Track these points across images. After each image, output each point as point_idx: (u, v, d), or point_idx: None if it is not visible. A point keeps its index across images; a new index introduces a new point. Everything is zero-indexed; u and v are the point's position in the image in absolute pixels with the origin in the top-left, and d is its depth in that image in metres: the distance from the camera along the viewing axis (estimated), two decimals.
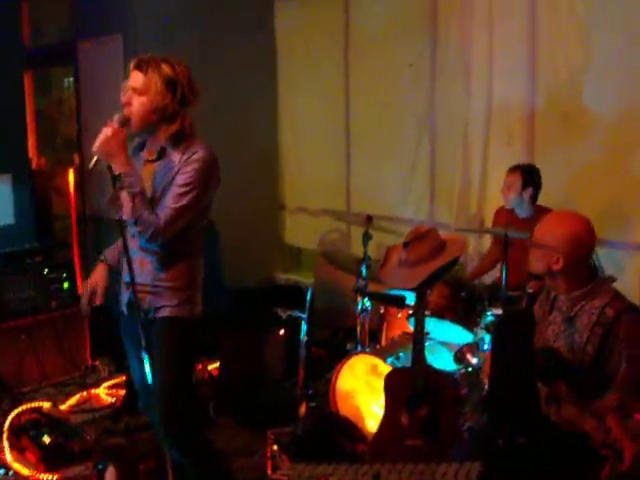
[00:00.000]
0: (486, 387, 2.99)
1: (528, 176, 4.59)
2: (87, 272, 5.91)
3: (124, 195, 2.69)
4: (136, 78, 2.75)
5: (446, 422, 3.28)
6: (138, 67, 2.75)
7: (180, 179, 2.77)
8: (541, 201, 4.66)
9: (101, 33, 5.82)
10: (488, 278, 5.04)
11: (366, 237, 4.53)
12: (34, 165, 6.65)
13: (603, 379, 2.55)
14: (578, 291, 2.69)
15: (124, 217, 2.74)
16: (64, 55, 6.15)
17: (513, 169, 4.62)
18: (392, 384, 3.46)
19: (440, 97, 5.69)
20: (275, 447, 3.72)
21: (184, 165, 2.78)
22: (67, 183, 6.32)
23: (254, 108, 6.61)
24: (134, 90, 2.74)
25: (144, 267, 2.88)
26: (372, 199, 6.13)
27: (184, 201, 2.76)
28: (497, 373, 2.61)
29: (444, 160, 5.73)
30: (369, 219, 4.58)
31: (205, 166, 2.79)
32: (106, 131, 2.69)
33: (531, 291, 2.72)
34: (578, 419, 2.51)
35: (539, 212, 4.57)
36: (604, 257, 3.05)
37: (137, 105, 2.75)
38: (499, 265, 4.27)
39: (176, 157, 2.82)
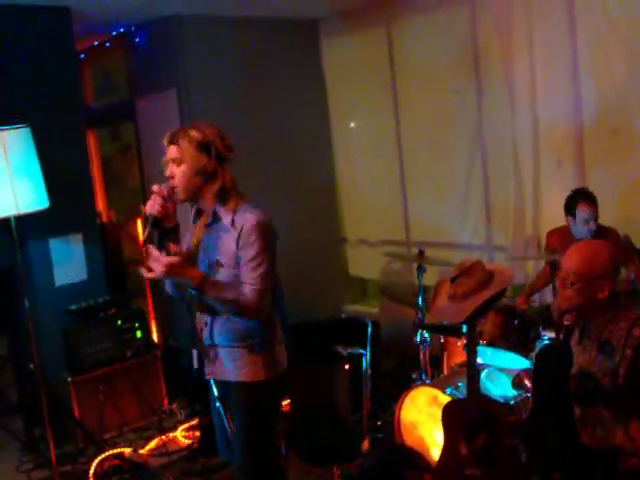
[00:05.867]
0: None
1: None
2: (160, 319, 6.16)
3: (212, 296, 2.87)
4: (171, 151, 2.91)
5: (503, 451, 3.34)
6: (170, 141, 2.91)
7: (247, 255, 2.88)
8: None
9: (157, 89, 6.10)
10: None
11: (420, 271, 4.60)
12: (105, 218, 6.92)
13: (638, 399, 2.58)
14: (603, 316, 2.72)
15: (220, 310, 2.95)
16: (124, 112, 6.45)
17: (588, 201, 4.45)
18: (449, 415, 3.52)
19: (487, 121, 5.77)
20: None
21: (243, 238, 2.87)
22: (136, 232, 6.62)
23: (309, 146, 6.79)
24: (173, 161, 2.90)
25: (217, 329, 3.03)
26: (430, 227, 6.21)
27: (260, 271, 2.87)
28: (535, 405, 2.67)
29: (497, 184, 5.78)
30: (421, 253, 4.64)
31: (262, 231, 2.88)
32: (155, 257, 2.78)
33: (568, 323, 2.75)
34: (609, 435, 2.54)
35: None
36: None
37: (179, 174, 2.90)
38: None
39: (227, 219, 2.92)
